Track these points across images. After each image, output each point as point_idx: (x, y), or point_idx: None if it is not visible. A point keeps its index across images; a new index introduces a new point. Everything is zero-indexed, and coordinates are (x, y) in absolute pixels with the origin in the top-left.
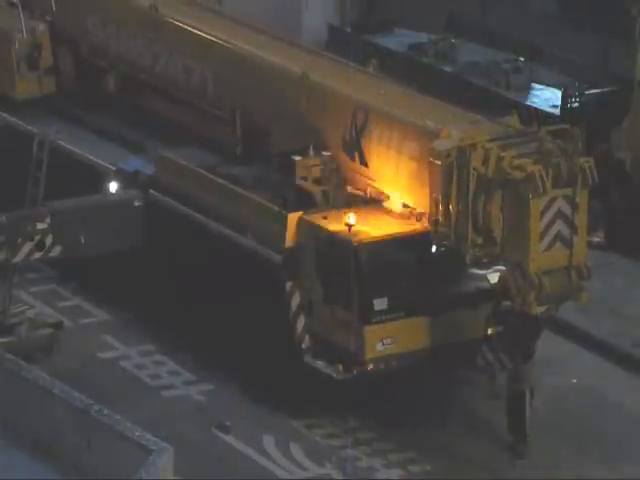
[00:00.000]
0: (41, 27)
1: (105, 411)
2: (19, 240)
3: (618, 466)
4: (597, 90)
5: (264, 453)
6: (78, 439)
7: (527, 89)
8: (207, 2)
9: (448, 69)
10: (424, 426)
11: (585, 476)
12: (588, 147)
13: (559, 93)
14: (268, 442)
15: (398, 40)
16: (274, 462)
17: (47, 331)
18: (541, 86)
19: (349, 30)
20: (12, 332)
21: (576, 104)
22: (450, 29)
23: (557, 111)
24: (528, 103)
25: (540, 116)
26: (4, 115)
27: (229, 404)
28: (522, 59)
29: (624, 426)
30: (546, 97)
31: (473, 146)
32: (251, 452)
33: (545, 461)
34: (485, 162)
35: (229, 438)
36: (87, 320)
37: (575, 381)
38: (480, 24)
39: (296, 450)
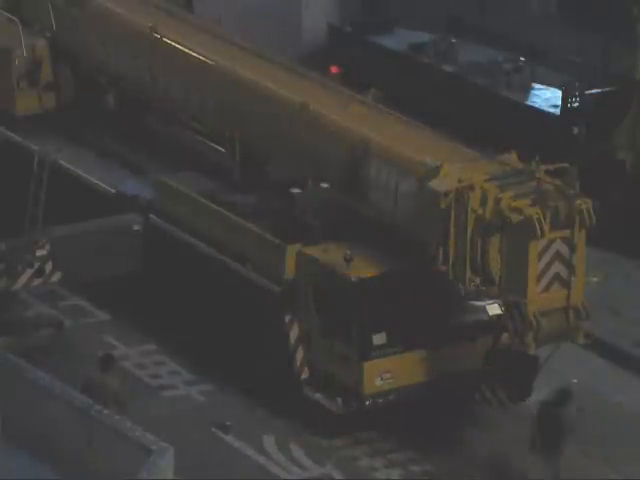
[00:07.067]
0: (41, 43)
1: (105, 411)
2: (19, 268)
3: (618, 466)
4: (597, 90)
5: (264, 453)
6: (78, 439)
7: (527, 89)
8: (208, 22)
9: (448, 69)
10: (424, 426)
11: (585, 476)
12: (588, 147)
13: (559, 93)
14: (268, 442)
15: (398, 39)
16: (274, 462)
17: (47, 331)
18: (541, 86)
19: (349, 30)
20: (12, 332)
21: (576, 104)
22: (450, 29)
23: (557, 111)
24: (528, 103)
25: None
26: (4, 131)
27: (229, 404)
28: (522, 59)
29: (624, 426)
30: (546, 97)
31: (471, 187)
32: (251, 452)
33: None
34: (483, 203)
35: (229, 438)
36: (87, 320)
37: (575, 381)
38: (480, 24)
39: (296, 450)
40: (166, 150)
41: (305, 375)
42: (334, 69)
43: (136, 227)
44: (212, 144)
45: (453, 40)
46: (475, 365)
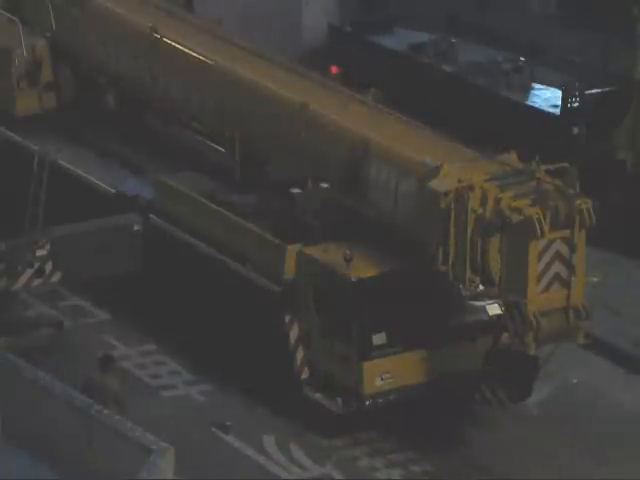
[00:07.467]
0: (41, 43)
1: (105, 411)
2: (19, 268)
3: (618, 465)
4: (597, 90)
5: (264, 453)
6: (78, 439)
7: (527, 89)
8: (208, 22)
9: (448, 69)
10: (424, 426)
11: (585, 476)
12: (588, 147)
13: (559, 93)
14: (268, 442)
15: (398, 39)
16: (274, 462)
17: (47, 331)
18: (541, 86)
19: (349, 30)
20: (12, 332)
21: (576, 104)
22: (450, 28)
23: (557, 111)
24: (528, 103)
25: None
26: (4, 131)
27: (229, 404)
28: (522, 59)
29: (624, 426)
30: (546, 97)
31: (471, 187)
32: (251, 452)
33: (545, 461)
34: (483, 203)
35: (229, 438)
36: (87, 320)
37: (575, 381)
38: (480, 24)
39: (296, 450)
40: (166, 150)
41: (305, 375)
42: (334, 69)
43: (136, 227)
44: (212, 144)
45: (453, 40)
46: (475, 365)
